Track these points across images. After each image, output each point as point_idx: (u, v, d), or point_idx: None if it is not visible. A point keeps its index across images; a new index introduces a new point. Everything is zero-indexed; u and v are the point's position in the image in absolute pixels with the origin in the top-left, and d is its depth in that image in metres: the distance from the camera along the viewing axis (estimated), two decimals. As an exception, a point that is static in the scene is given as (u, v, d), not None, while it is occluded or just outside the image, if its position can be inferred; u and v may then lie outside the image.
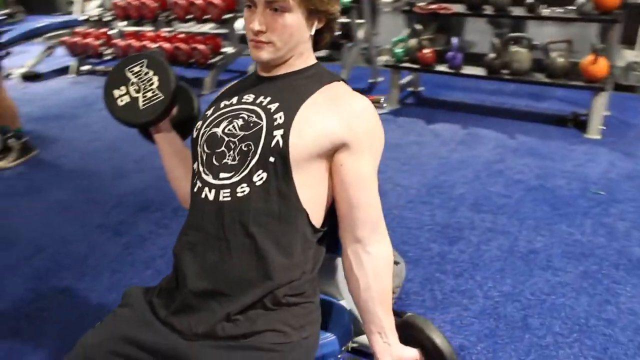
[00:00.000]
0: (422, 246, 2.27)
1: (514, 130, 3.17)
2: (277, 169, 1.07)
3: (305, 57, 1.18)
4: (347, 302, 1.54)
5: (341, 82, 1.19)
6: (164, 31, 4.94)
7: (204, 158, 1.14)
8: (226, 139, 1.12)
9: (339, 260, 1.47)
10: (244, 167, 1.08)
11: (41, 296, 2.12)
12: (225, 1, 4.37)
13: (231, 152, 1.10)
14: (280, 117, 1.09)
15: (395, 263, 1.90)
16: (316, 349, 1.18)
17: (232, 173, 1.09)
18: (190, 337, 1.07)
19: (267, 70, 1.19)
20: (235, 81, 1.28)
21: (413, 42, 3.56)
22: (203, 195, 1.11)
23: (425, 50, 3.44)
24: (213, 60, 4.47)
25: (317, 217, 1.13)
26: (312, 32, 1.15)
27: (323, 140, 1.08)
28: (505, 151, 2.95)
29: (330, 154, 1.10)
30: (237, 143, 1.10)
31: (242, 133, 1.10)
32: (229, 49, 4.65)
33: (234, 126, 1.13)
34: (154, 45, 4.61)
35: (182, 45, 4.47)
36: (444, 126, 3.33)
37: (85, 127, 4.02)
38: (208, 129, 1.16)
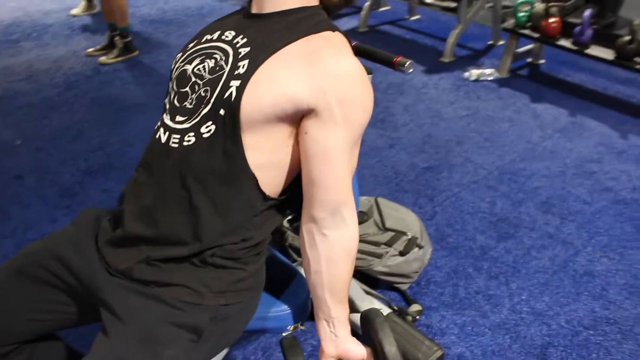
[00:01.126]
0: (466, 234, 2.04)
1: (627, 130, 2.71)
2: (226, 125, 0.94)
3: None
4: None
5: (335, 33, 1.00)
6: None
7: (172, 96, 1.04)
8: (193, 79, 1.01)
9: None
10: (196, 115, 0.97)
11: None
12: None
13: (192, 95, 0.99)
14: (243, 66, 0.95)
15: (419, 247, 1.72)
16: (242, 321, 1.07)
17: (185, 118, 0.98)
18: (111, 272, 1.01)
19: (258, 3, 1.04)
20: (229, 14, 1.14)
21: (540, 6, 3.12)
22: (157, 135, 1.02)
23: (551, 20, 2.99)
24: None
25: (270, 184, 0.99)
26: None
27: (284, 103, 0.92)
28: (608, 151, 2.54)
29: (296, 119, 0.95)
30: (200, 86, 0.98)
31: (207, 76, 0.98)
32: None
33: (204, 66, 1.01)
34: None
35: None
36: (548, 108, 2.93)
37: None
38: (182, 64, 1.05)
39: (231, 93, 0.93)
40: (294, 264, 1.31)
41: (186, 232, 0.97)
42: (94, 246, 1.05)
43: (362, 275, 1.77)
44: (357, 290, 1.60)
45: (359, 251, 1.74)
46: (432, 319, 1.70)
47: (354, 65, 0.95)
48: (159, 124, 1.04)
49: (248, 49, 0.98)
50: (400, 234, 1.77)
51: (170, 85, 1.06)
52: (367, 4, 4.15)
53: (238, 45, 1.00)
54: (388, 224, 1.79)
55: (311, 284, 1.04)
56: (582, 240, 2.00)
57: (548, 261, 1.91)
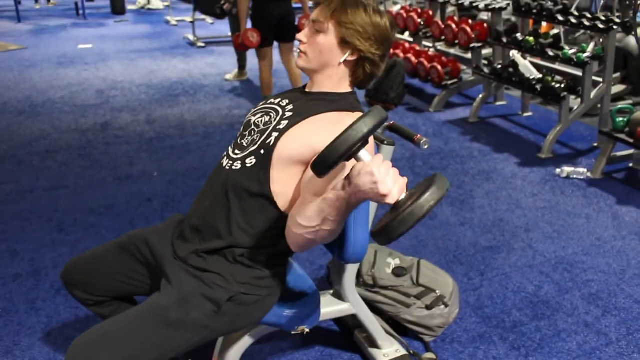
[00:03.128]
0: (503, 308, 2.19)
1: None
2: (262, 161, 1.33)
3: (336, 83, 1.41)
4: (350, 305, 1.71)
5: (355, 113, 1.38)
6: (424, 45, 5.30)
7: (238, 135, 1.46)
8: (252, 126, 1.43)
9: (348, 267, 1.65)
10: (246, 151, 1.38)
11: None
12: (478, 30, 4.49)
13: (248, 137, 1.40)
14: (284, 124, 1.35)
15: (445, 305, 1.95)
16: (258, 312, 1.41)
17: (240, 152, 1.39)
18: (175, 257, 1.42)
19: (308, 85, 1.45)
20: (294, 88, 1.56)
21: (638, 114, 3.21)
22: (221, 161, 1.44)
23: (648, 128, 3.07)
24: (448, 82, 4.64)
25: (286, 205, 1.36)
26: (342, 60, 1.36)
27: (305, 150, 1.30)
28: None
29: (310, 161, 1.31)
30: (255, 132, 1.40)
31: (261, 127, 1.40)
32: (466, 76, 4.76)
33: (261, 119, 1.43)
34: (402, 56, 4.99)
35: (425, 62, 4.75)
36: (632, 211, 2.96)
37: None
38: (250, 115, 1.48)
39: (271, 140, 1.34)
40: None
41: (223, 229, 1.36)
42: (170, 238, 1.48)
43: (393, 321, 2.02)
44: (379, 329, 1.85)
45: (391, 298, 2.01)
46: (445, 371, 1.89)
47: None
48: (224, 154, 1.46)
49: (291, 113, 1.39)
50: (429, 290, 2.00)
51: (240, 128, 1.49)
52: (480, 96, 4.45)
53: (286, 110, 1.41)
54: (421, 281, 2.03)
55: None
56: (619, 334, 2.06)
57: (575, 345, 2.00)
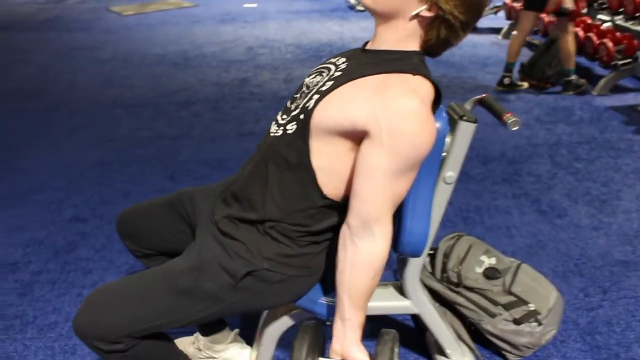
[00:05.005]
0: (622, 340, 1.79)
1: None
2: (301, 128, 1.15)
3: (402, 38, 1.16)
4: (412, 304, 1.50)
5: (415, 77, 1.12)
6: (599, 19, 4.59)
7: (291, 98, 1.30)
8: (303, 88, 1.25)
9: (410, 261, 1.43)
10: (290, 116, 1.20)
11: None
12: (665, 1, 3.74)
13: (298, 101, 1.23)
14: (327, 86, 1.16)
15: (537, 322, 1.65)
16: (284, 292, 1.26)
17: (286, 117, 1.22)
18: (211, 219, 1.32)
19: (371, 42, 1.22)
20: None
21: None
22: (270, 127, 1.28)
23: None
24: (619, 62, 3.96)
25: (329, 186, 1.17)
26: (415, 12, 1.11)
27: (344, 121, 1.09)
28: None
29: (356, 137, 1.11)
30: (304, 94, 1.22)
31: (311, 87, 1.21)
32: (645, 56, 4.03)
33: (313, 80, 1.24)
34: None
35: (594, 37, 4.10)
36: None
37: (461, 85, 4.29)
38: (307, 77, 1.30)
39: (311, 104, 1.15)
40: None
41: (258, 200, 1.22)
42: (216, 199, 1.38)
43: (475, 328, 1.75)
44: (448, 336, 1.60)
45: (474, 302, 1.73)
46: (524, 399, 1.59)
47: (414, 105, 1.05)
48: (274, 118, 1.31)
49: (340, 73, 1.18)
50: (521, 301, 1.69)
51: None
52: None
53: (338, 69, 1.21)
54: (514, 289, 1.72)
55: (336, 281, 1.18)
56: None
57: None
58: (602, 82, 4.04)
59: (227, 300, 1.22)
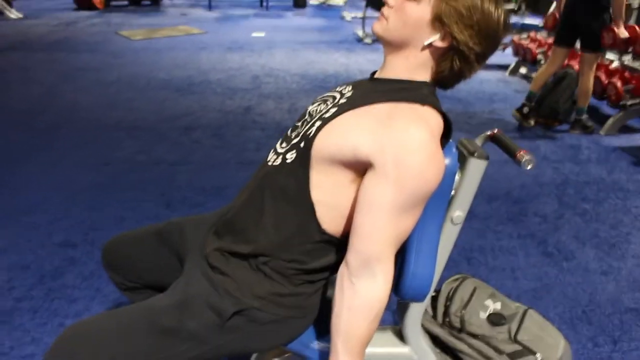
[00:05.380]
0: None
1: None
2: (301, 157, 1.08)
3: (412, 68, 1.10)
4: (412, 351, 1.40)
5: (424, 107, 1.05)
6: (607, 59, 4.56)
7: (292, 126, 1.22)
8: (306, 116, 1.18)
9: (412, 305, 1.35)
10: (290, 144, 1.13)
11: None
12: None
13: (299, 129, 1.15)
14: (330, 113, 1.08)
15: (532, 353, 1.53)
16: (276, 334, 1.17)
17: (285, 146, 1.15)
18: (202, 252, 1.23)
19: (380, 70, 1.16)
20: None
21: None
22: (268, 155, 1.21)
23: None
24: (627, 102, 3.91)
25: (328, 221, 1.09)
26: (428, 42, 1.05)
27: (345, 149, 1.02)
28: None
29: (359, 168, 1.03)
30: (307, 123, 1.15)
31: (314, 115, 1.14)
32: (655, 97, 3.97)
33: (317, 108, 1.17)
34: (577, 67, 4.34)
35: (602, 76, 4.06)
36: None
37: (467, 121, 4.23)
38: (311, 104, 1.23)
39: (312, 131, 1.07)
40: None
41: (251, 232, 1.13)
42: (207, 230, 1.29)
43: (477, 378, 1.64)
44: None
45: (477, 350, 1.62)
46: None
47: (422, 136, 0.98)
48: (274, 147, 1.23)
49: (345, 100, 1.11)
50: (527, 351, 1.58)
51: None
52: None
53: (343, 97, 1.14)
54: (520, 337, 1.61)
55: (331, 326, 1.09)
56: None
57: None
58: (610, 121, 3.99)
59: (212, 341, 1.12)
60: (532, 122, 4.13)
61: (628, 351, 1.87)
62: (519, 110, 4.12)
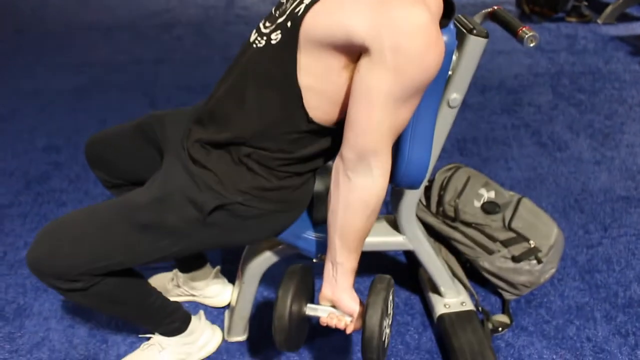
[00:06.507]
0: (622, 278, 1.72)
1: None
2: (288, 37, 0.98)
3: None
4: (406, 239, 1.39)
5: None
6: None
7: (277, 3, 1.12)
8: None
9: (406, 193, 1.31)
10: (275, 23, 1.03)
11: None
12: None
13: (284, 6, 1.05)
14: None
15: (537, 260, 1.56)
16: (261, 228, 1.14)
17: (270, 25, 1.05)
18: (183, 144, 1.16)
19: None
20: None
21: None
22: (250, 36, 1.11)
23: None
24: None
25: (316, 109, 1.02)
26: None
27: (338, 31, 0.92)
28: None
29: (352, 52, 0.94)
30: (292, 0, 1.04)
31: None
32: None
33: None
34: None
35: (603, -41, 3.85)
36: None
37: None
38: None
39: (300, 9, 0.97)
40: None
41: (233, 120, 1.06)
42: (188, 120, 1.22)
43: (471, 265, 1.66)
44: (443, 273, 1.50)
45: (471, 238, 1.63)
46: (519, 340, 1.51)
47: (423, 19, 0.88)
48: (257, 26, 1.14)
49: None
50: (521, 238, 1.59)
51: None
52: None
53: None
54: (514, 224, 1.61)
55: (327, 222, 1.05)
56: None
57: None
58: (608, 9, 3.82)
59: (194, 236, 1.09)
60: (526, 9, 3.95)
61: (617, 237, 1.89)
62: None
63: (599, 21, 3.83)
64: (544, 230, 1.64)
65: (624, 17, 3.91)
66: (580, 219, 1.97)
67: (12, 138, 2.44)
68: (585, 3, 3.82)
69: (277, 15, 1.05)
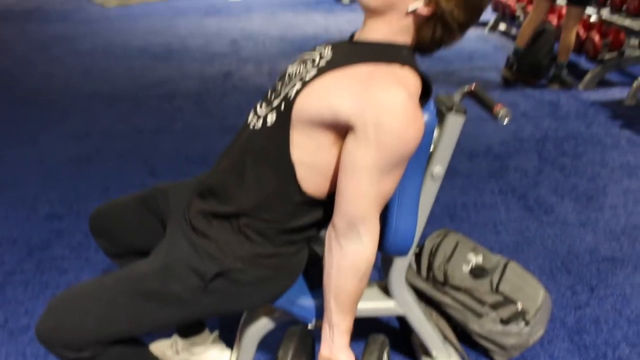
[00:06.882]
0: (610, 339, 1.76)
1: None
2: (281, 119, 1.09)
3: (393, 32, 1.10)
4: (397, 304, 1.45)
5: (403, 68, 1.06)
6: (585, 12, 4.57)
7: (271, 88, 1.23)
8: (286, 77, 1.18)
9: (396, 260, 1.38)
10: (270, 107, 1.14)
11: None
12: (651, -4, 3.73)
13: (278, 91, 1.16)
14: (311, 74, 1.09)
15: (525, 322, 1.61)
16: (258, 294, 1.20)
17: (265, 107, 1.16)
18: (185, 215, 1.25)
19: (358, 33, 1.16)
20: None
21: None
22: (247, 117, 1.22)
23: None
24: (605, 56, 3.95)
25: (308, 182, 1.11)
26: (412, 8, 1.05)
27: (325, 111, 1.03)
28: None
29: (340, 130, 1.05)
30: (286, 84, 1.15)
31: (293, 77, 1.15)
32: (631, 50, 4.01)
33: (296, 69, 1.17)
34: (555, 22, 4.34)
35: (580, 30, 4.08)
36: None
37: (447, 79, 4.24)
38: (290, 65, 1.23)
39: (292, 93, 1.08)
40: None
41: (233, 194, 1.15)
42: (191, 194, 1.31)
43: (462, 329, 1.71)
44: (433, 337, 1.55)
45: (460, 302, 1.68)
46: (512, 401, 1.55)
47: (401, 98, 0.99)
48: (254, 108, 1.24)
49: (325, 63, 1.12)
50: (508, 301, 1.65)
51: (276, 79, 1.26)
52: (644, 76, 3.73)
53: (323, 58, 1.14)
54: (501, 288, 1.68)
55: (323, 286, 1.12)
56: None
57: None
58: (588, 76, 4.02)
59: (196, 303, 1.15)
60: (511, 77, 4.14)
61: (604, 297, 1.94)
62: (509, 67, 4.12)
63: (580, 87, 4.02)
64: (531, 292, 1.70)
65: (603, 83, 4.10)
66: (568, 280, 2.03)
67: (15, 205, 2.51)
68: (565, 70, 4.02)
69: (271, 98, 1.16)
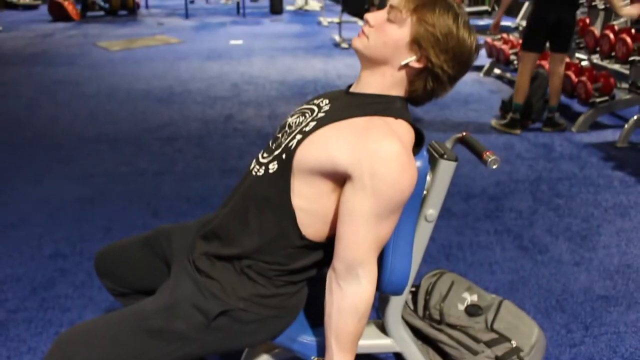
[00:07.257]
0: None
1: None
2: (282, 167, 1.16)
3: (387, 85, 1.19)
4: (394, 342, 1.48)
5: (397, 120, 1.15)
6: (577, 58, 4.72)
7: (272, 138, 1.31)
8: (286, 128, 1.27)
9: (392, 299, 1.43)
10: (272, 155, 1.21)
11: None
12: (638, 42, 3.87)
13: (280, 140, 1.24)
14: (310, 126, 1.17)
15: (507, 340, 1.63)
16: (260, 332, 1.25)
17: (267, 156, 1.23)
18: (188, 257, 1.30)
19: (354, 85, 1.24)
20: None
21: None
22: (250, 164, 1.29)
23: None
24: (596, 100, 4.06)
25: (308, 227, 1.18)
26: (404, 62, 1.14)
27: (325, 162, 1.11)
28: None
29: (338, 179, 1.13)
30: (287, 134, 1.23)
31: (293, 128, 1.23)
32: (622, 94, 4.13)
33: (296, 120, 1.26)
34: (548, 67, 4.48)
35: (572, 75, 4.21)
36: None
37: (443, 122, 4.35)
38: (290, 116, 1.31)
39: (293, 144, 1.16)
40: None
41: (235, 237, 1.21)
42: (194, 236, 1.37)
43: (458, 367, 1.74)
44: (432, 373, 1.59)
45: (456, 340, 1.72)
46: None
47: (395, 149, 1.07)
48: (256, 156, 1.31)
49: (323, 114, 1.20)
50: (503, 338, 1.68)
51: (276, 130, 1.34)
52: (635, 118, 3.83)
53: (321, 110, 1.22)
54: (496, 326, 1.71)
55: (324, 325, 1.18)
56: None
57: None
58: (580, 119, 4.13)
59: (199, 340, 1.20)
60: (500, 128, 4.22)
61: (599, 335, 1.98)
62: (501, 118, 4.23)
63: (573, 129, 4.13)
64: (525, 330, 1.74)
65: (596, 126, 4.21)
66: (562, 319, 2.06)
67: (20, 244, 2.56)
68: (557, 113, 4.13)
69: (273, 147, 1.24)
